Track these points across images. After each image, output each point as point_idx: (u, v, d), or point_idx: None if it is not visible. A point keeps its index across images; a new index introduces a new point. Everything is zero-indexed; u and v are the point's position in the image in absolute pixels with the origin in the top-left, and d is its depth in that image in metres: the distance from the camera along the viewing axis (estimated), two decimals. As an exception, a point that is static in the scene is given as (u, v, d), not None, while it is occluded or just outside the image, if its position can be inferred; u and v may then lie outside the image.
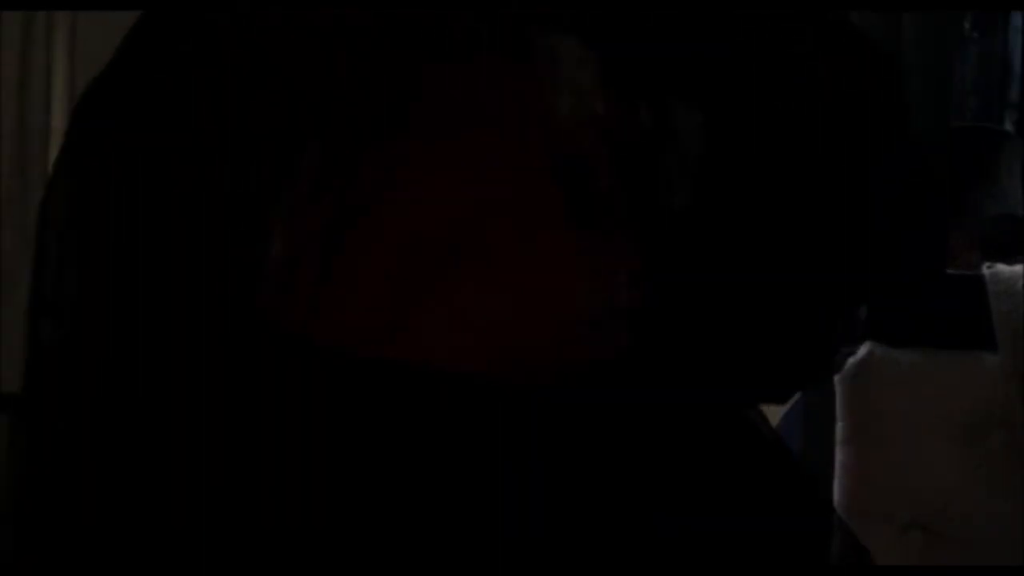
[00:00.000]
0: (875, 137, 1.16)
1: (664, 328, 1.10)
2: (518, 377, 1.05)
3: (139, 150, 1.09)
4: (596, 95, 1.11)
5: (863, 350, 2.05)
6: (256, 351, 1.06)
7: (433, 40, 1.12)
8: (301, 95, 1.09)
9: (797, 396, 2.44)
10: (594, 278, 1.09)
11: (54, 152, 1.90)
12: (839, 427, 2.06)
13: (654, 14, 1.13)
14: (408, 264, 1.05)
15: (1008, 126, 3.70)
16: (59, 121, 1.80)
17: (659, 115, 1.12)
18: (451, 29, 1.11)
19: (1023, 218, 2.91)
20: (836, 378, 2.05)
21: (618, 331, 1.08)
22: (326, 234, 1.05)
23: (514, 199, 1.07)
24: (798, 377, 1.24)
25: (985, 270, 2.00)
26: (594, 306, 1.08)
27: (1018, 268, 1.98)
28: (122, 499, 1.09)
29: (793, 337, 1.16)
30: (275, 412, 1.05)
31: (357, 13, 1.11)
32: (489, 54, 1.10)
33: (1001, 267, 1.99)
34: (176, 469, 1.08)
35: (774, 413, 2.04)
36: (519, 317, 1.06)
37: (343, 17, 1.10)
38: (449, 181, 1.07)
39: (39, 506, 1.13)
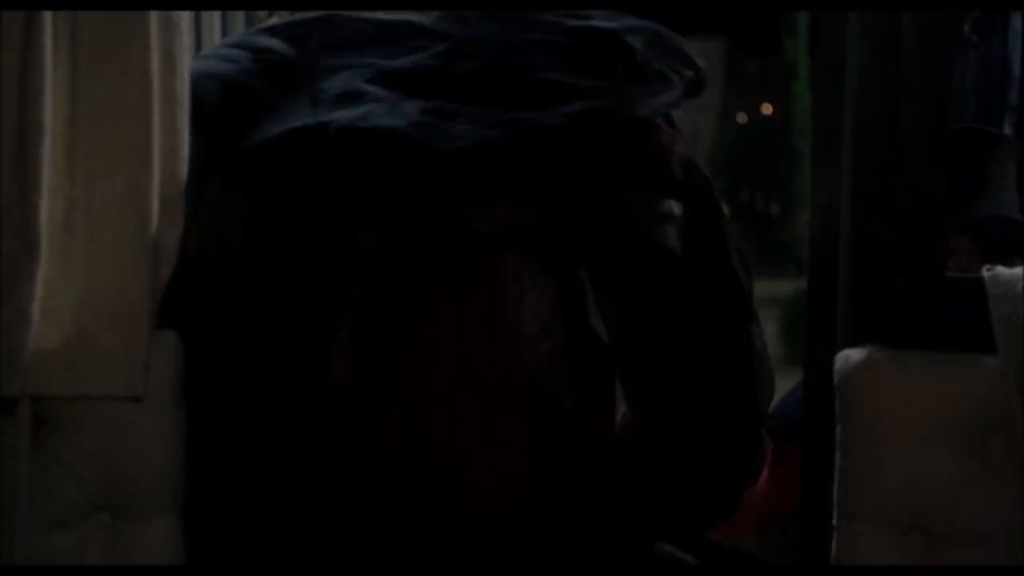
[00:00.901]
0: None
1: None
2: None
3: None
4: (554, 322, 1.43)
5: (863, 352, 2.05)
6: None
7: (431, 270, 1.38)
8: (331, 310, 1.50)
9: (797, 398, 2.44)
10: (560, 456, 1.47)
11: (54, 153, 1.90)
12: (839, 430, 2.06)
13: None
14: (429, 462, 1.39)
15: (1007, 129, 3.70)
16: (59, 122, 1.78)
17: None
18: (443, 256, 1.38)
19: (1021, 220, 2.91)
20: (836, 381, 2.05)
21: (572, 481, 1.51)
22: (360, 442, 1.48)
23: (496, 419, 1.41)
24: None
25: (985, 272, 2.00)
26: (554, 471, 1.47)
27: (1018, 271, 1.98)
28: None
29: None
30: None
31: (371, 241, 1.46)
32: (469, 280, 1.37)
33: (1001, 269, 1.99)
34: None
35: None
36: (517, 484, 1.43)
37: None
38: (443, 403, 1.40)
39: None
